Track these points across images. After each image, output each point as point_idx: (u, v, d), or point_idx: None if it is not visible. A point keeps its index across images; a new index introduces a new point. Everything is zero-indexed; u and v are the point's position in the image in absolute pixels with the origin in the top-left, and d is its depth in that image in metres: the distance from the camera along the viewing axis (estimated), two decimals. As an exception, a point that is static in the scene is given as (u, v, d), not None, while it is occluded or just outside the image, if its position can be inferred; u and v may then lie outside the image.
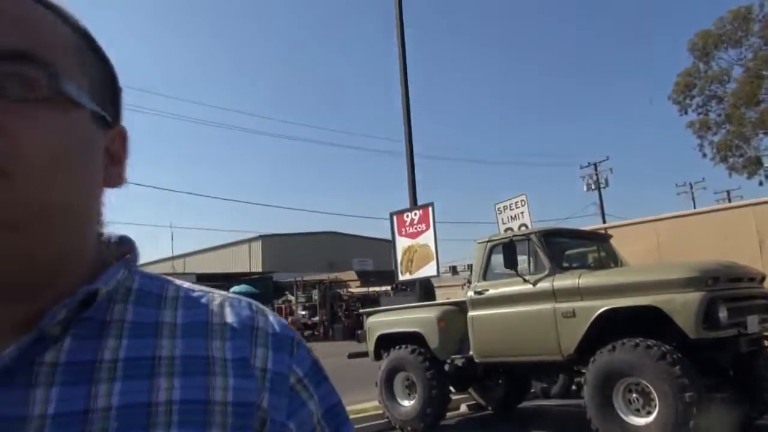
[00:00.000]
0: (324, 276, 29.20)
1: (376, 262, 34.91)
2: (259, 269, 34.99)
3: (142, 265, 0.58)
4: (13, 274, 0.45)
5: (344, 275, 30.84)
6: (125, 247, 0.57)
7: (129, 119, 0.58)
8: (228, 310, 0.55)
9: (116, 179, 0.54)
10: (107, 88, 0.54)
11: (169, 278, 0.58)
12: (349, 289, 29.36)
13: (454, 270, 29.47)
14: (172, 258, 37.97)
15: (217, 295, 0.57)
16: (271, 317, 0.58)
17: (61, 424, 0.43)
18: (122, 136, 0.56)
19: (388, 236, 11.05)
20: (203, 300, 0.56)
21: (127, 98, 0.58)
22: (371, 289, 27.39)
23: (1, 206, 0.42)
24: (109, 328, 0.49)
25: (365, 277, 29.93)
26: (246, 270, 34.29)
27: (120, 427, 0.45)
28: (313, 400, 0.56)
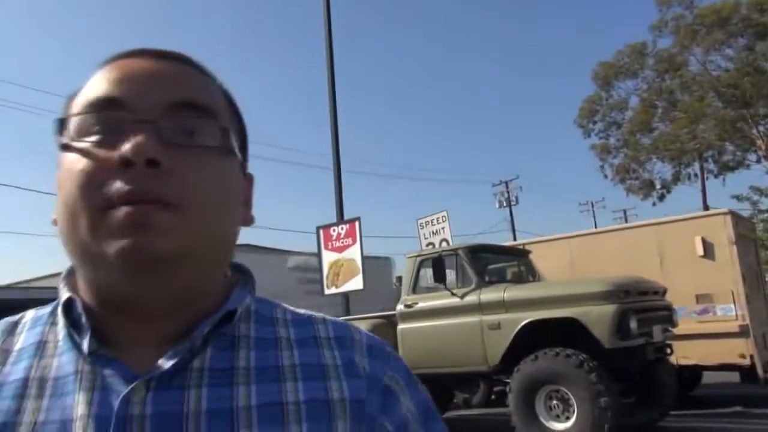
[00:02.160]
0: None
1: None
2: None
3: None
4: (176, 294, 0.54)
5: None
6: (240, 273, 0.65)
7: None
8: (330, 327, 0.64)
9: (249, 220, 0.63)
10: (242, 140, 0.62)
11: (275, 301, 0.66)
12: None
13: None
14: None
15: (318, 316, 0.66)
16: (364, 332, 0.66)
17: (212, 418, 0.51)
18: (252, 182, 0.65)
19: (313, 249, 11.02)
20: (308, 320, 0.64)
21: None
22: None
23: (175, 235, 0.50)
24: (239, 342, 0.57)
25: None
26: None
27: (260, 421, 0.52)
28: (407, 398, 0.63)
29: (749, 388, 8.11)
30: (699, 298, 7.68)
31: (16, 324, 0.59)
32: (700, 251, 7.78)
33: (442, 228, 11.83)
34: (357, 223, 10.55)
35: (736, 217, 8.14)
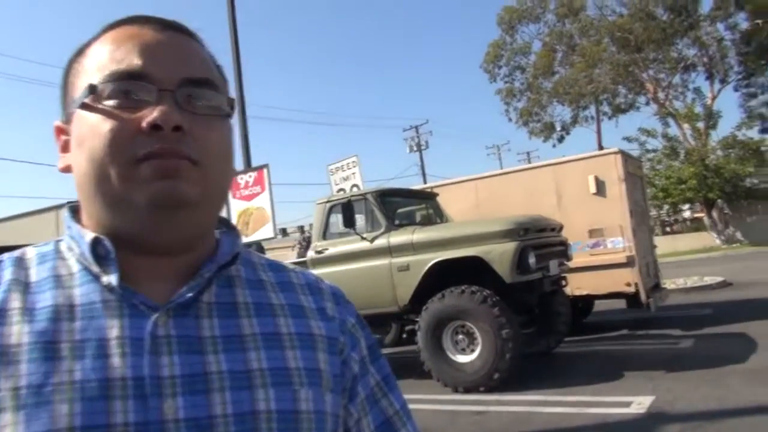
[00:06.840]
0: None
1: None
2: (68, 239, 31.40)
3: None
4: (190, 234, 0.64)
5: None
6: (220, 223, 0.74)
7: None
8: (300, 275, 0.75)
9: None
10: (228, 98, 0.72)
11: (247, 248, 0.76)
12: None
13: (284, 232, 29.45)
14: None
15: (286, 263, 0.78)
16: (325, 281, 0.78)
17: (227, 342, 0.62)
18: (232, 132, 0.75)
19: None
20: (280, 266, 0.76)
21: None
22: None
23: (198, 184, 0.61)
24: (234, 280, 0.68)
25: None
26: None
27: (265, 347, 0.64)
28: (363, 338, 0.76)
29: (634, 313, 8.91)
30: (592, 233, 8.22)
31: (21, 259, 0.65)
32: (593, 189, 8.27)
33: (353, 173, 11.75)
34: (265, 171, 10.28)
35: (625, 156, 8.67)
